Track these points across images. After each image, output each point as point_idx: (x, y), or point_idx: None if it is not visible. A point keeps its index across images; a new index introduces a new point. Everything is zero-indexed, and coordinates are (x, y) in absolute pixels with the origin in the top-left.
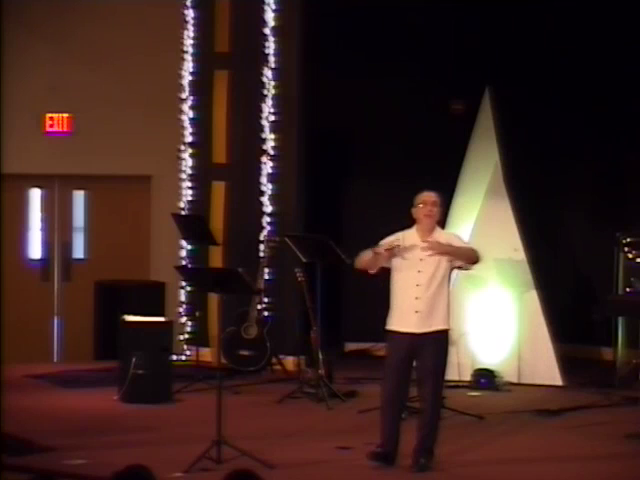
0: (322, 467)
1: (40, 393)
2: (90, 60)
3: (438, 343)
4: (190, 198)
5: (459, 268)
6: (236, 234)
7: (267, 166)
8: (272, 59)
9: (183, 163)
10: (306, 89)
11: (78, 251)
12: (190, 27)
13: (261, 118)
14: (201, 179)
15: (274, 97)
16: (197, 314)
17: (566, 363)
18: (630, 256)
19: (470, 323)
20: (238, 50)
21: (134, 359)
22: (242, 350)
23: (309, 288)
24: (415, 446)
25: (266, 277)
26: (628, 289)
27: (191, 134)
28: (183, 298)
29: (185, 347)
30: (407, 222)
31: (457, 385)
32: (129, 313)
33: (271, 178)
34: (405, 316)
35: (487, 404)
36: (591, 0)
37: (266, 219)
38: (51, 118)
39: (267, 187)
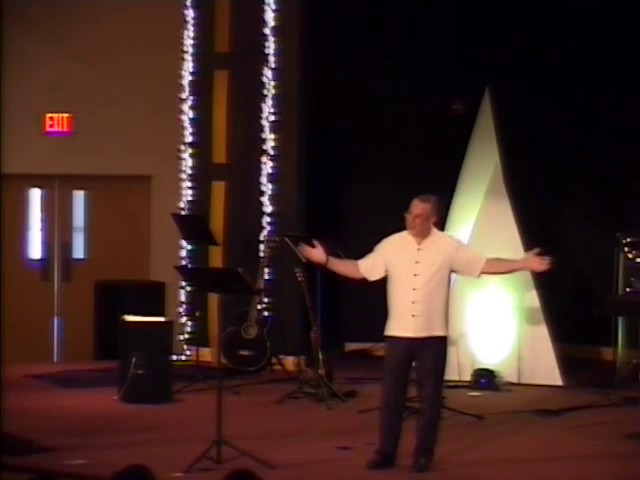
0: (322, 467)
1: (40, 393)
2: (90, 60)
3: (436, 346)
4: (190, 198)
5: (458, 272)
6: (236, 234)
7: (267, 166)
8: (272, 59)
9: (183, 163)
10: (306, 89)
11: (78, 251)
12: (190, 27)
13: (261, 118)
14: (201, 179)
15: (274, 97)
16: (197, 314)
17: (566, 363)
18: (630, 256)
19: (470, 323)
20: (238, 50)
21: (134, 359)
22: (242, 350)
23: (309, 288)
24: (415, 446)
25: (266, 277)
26: (628, 289)
27: (191, 134)
28: (183, 298)
29: (185, 347)
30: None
31: (457, 385)
32: (129, 313)
33: (271, 178)
34: (402, 320)
35: (487, 404)
36: (591, 0)
37: (266, 219)
38: (51, 118)
39: (267, 187)
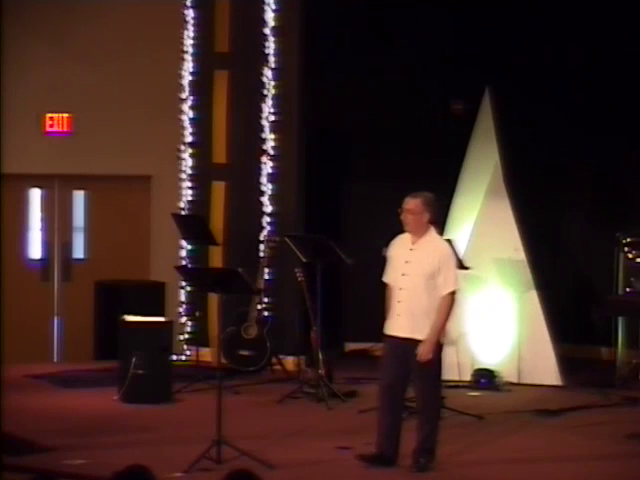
0: (322, 467)
1: (40, 393)
2: (90, 60)
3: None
4: (190, 198)
5: None
6: (236, 234)
7: (267, 166)
8: (272, 59)
9: (183, 163)
10: (306, 89)
11: (78, 251)
12: (190, 27)
13: (261, 118)
14: (201, 179)
15: (274, 97)
16: (197, 314)
17: (566, 363)
18: (630, 256)
19: (470, 323)
20: (238, 50)
21: (134, 359)
22: (242, 350)
23: (309, 288)
24: (415, 446)
25: (266, 277)
26: (628, 289)
27: (191, 134)
28: (183, 298)
29: (185, 347)
30: None
31: (457, 385)
32: (129, 313)
33: (271, 178)
34: (392, 319)
35: (487, 404)
36: (591, 0)
37: (266, 219)
38: (51, 118)
39: (267, 187)
